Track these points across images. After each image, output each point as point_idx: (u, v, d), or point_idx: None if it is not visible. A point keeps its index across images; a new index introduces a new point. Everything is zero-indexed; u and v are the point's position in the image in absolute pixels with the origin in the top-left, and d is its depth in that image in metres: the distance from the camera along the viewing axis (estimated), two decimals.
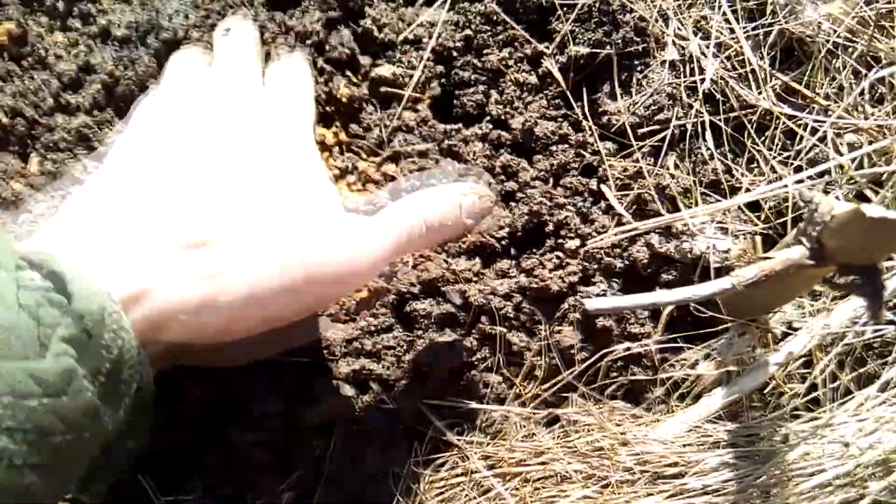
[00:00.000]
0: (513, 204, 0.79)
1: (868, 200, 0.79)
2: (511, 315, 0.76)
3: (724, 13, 0.79)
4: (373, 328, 0.74)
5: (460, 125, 0.83)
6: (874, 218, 0.45)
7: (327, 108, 0.80)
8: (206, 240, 0.47)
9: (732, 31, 0.79)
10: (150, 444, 0.61)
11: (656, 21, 0.79)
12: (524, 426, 0.74)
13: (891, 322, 0.77)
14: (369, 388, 0.72)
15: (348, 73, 0.82)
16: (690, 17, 0.80)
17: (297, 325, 0.55)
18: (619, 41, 0.80)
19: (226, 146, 0.55)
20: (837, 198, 0.76)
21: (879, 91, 0.81)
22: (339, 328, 0.74)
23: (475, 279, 0.77)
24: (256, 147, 0.56)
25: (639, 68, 0.81)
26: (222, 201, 0.51)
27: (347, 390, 0.70)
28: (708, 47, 0.78)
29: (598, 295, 0.75)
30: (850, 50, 0.80)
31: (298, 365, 0.70)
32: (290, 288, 0.50)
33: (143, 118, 0.62)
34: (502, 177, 0.81)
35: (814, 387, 0.76)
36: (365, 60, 0.83)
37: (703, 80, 0.77)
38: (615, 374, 0.76)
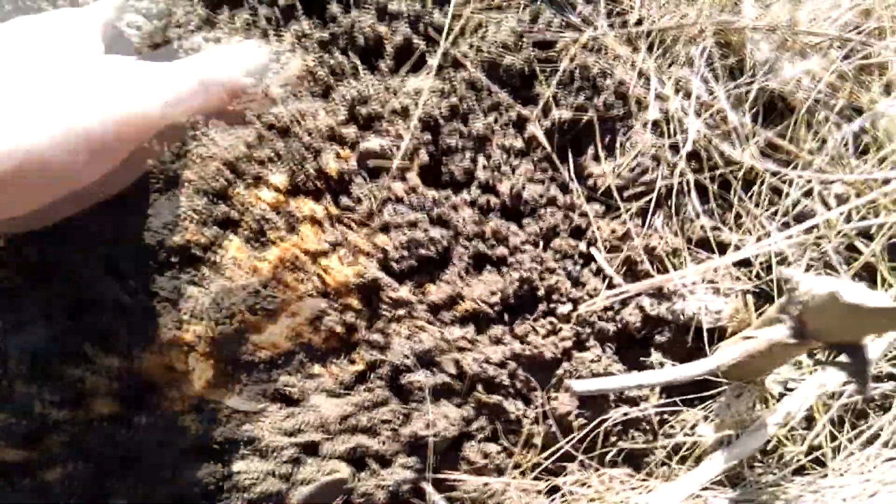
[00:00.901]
0: (504, 269, 0.80)
1: (859, 253, 0.79)
2: (507, 383, 0.76)
3: (703, 73, 0.80)
4: (368, 402, 0.74)
5: (449, 191, 0.83)
6: (850, 304, 0.45)
7: (317, 183, 0.81)
8: None
9: (712, 90, 0.80)
10: None
11: (636, 84, 0.80)
12: (524, 498, 0.74)
13: (891, 376, 0.76)
14: (366, 465, 0.72)
15: (335, 146, 0.83)
16: (670, 77, 0.81)
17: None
18: (601, 105, 0.81)
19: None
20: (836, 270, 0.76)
21: (864, 142, 0.82)
22: (333, 403, 0.74)
23: (469, 347, 0.77)
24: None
25: (622, 130, 0.82)
26: None
27: (344, 470, 0.70)
28: (688, 107, 0.79)
29: (591, 361, 0.75)
30: (832, 104, 0.81)
31: (293, 444, 0.70)
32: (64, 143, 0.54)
33: None
34: (492, 242, 0.81)
35: (817, 445, 0.75)
36: (351, 132, 0.84)
37: (685, 141, 0.78)
38: (615, 438, 0.76)
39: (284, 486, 0.70)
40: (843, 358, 0.51)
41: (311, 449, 0.72)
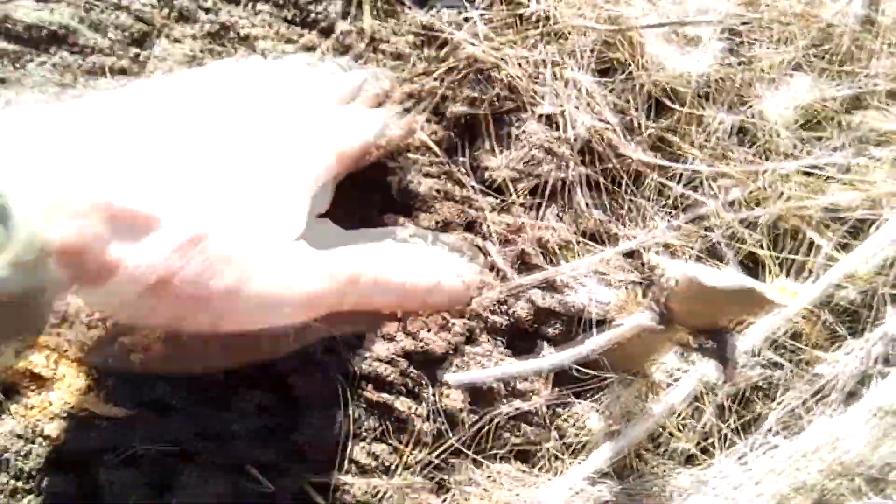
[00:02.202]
0: None
1: (744, 242, 0.80)
2: (397, 381, 0.74)
3: (592, 66, 0.80)
4: (245, 406, 0.71)
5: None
6: (705, 286, 0.45)
7: None
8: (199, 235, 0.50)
9: (602, 84, 0.81)
10: None
11: (529, 77, 0.80)
12: (415, 497, 0.72)
13: (774, 364, 0.78)
14: (245, 472, 0.69)
15: None
16: (563, 70, 0.81)
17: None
18: (494, 98, 0.80)
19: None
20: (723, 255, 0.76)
21: (749, 134, 0.83)
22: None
23: (358, 344, 0.75)
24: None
25: (516, 123, 0.82)
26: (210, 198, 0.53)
27: (219, 480, 0.67)
28: (580, 101, 0.79)
29: (482, 355, 0.74)
30: (720, 98, 0.82)
31: (160, 451, 0.66)
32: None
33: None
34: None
35: (705, 435, 0.76)
36: None
37: (576, 136, 0.78)
38: (506, 434, 0.75)
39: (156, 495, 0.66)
40: (708, 344, 0.51)
41: (188, 457, 0.68)
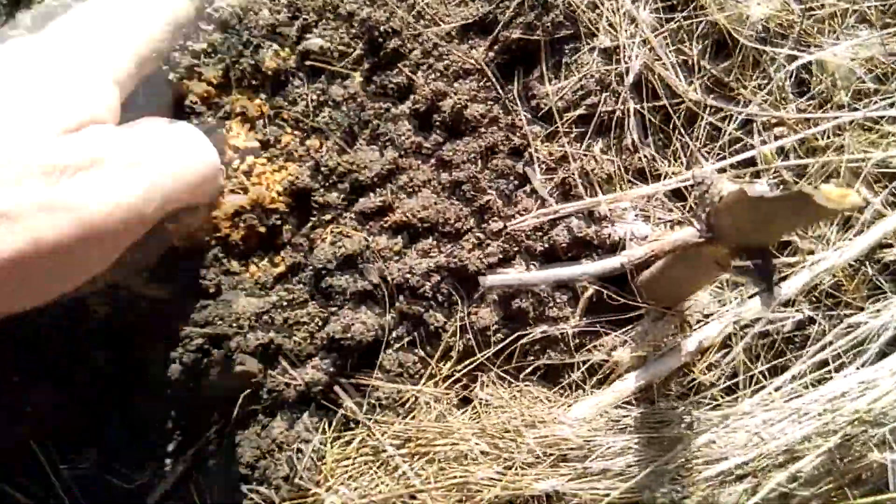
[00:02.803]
0: (438, 186, 0.78)
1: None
2: (429, 294, 0.75)
3: (653, 5, 0.79)
4: (285, 302, 0.73)
5: (390, 104, 0.82)
6: (756, 197, 0.45)
7: (253, 81, 0.79)
8: None
9: (661, 22, 0.79)
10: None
11: (585, 9, 0.79)
12: (436, 407, 0.73)
13: (811, 320, 0.77)
14: (278, 362, 0.71)
15: (275, 44, 0.81)
16: (621, 6, 0.80)
17: None
18: (549, 24, 0.80)
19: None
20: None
21: (809, 82, 0.82)
22: (250, 301, 0.73)
23: (395, 257, 0.76)
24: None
25: (568, 52, 0.81)
26: None
27: (253, 364, 0.69)
28: (636, 36, 0.78)
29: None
30: (780, 43, 0.80)
31: (202, 335, 0.69)
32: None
33: None
34: (430, 158, 0.80)
35: (734, 376, 0.76)
36: (293, 31, 0.82)
37: (630, 70, 0.77)
38: (532, 357, 0.75)
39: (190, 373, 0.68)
40: (749, 265, 0.51)
41: (220, 341, 0.71)
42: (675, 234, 0.52)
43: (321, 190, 0.77)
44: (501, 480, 0.66)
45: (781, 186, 0.47)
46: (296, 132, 0.79)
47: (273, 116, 0.79)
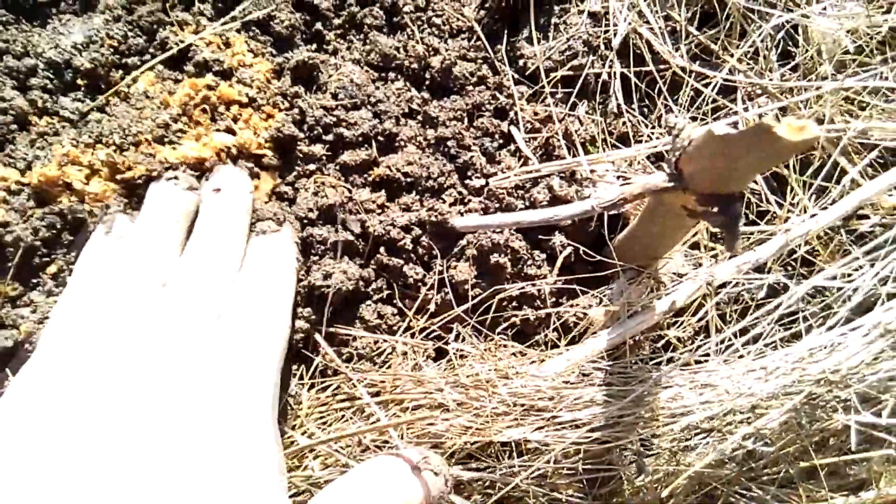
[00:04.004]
0: (422, 142, 0.79)
1: None
2: (409, 248, 0.76)
3: None
4: None
5: (382, 63, 0.82)
6: (721, 135, 0.46)
7: (256, 30, 0.80)
8: None
9: None
10: None
11: None
12: (413, 358, 0.74)
13: (785, 287, 0.78)
14: None
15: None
16: None
17: None
18: None
19: (161, 422, 0.46)
20: None
21: (793, 53, 0.82)
22: None
23: (378, 210, 0.77)
24: (196, 425, 0.47)
25: (557, 13, 0.82)
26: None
27: None
28: (623, 1, 0.78)
29: (494, 231, 0.75)
30: (765, 11, 0.81)
31: None
32: None
33: (63, 332, 0.53)
34: (419, 117, 0.81)
35: (706, 337, 0.77)
36: None
37: (615, 34, 0.77)
38: (508, 313, 0.76)
39: None
40: (715, 210, 0.52)
41: None
42: (644, 177, 0.53)
43: (306, 140, 0.78)
44: (471, 427, 0.67)
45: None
46: (286, 84, 0.80)
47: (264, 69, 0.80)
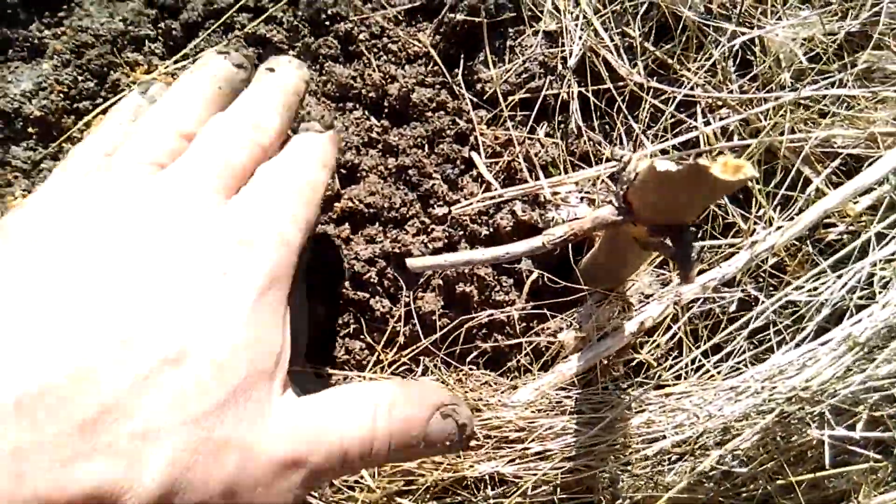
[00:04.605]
0: (384, 171, 0.78)
1: None
2: (374, 280, 0.75)
3: None
4: None
5: (341, 93, 0.81)
6: (662, 172, 0.45)
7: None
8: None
9: (605, 4, 0.79)
10: None
11: None
12: None
13: (755, 300, 0.77)
14: None
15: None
16: None
17: None
18: (492, 7, 0.79)
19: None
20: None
21: (751, 65, 0.82)
22: None
23: (343, 245, 0.76)
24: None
25: (512, 35, 0.81)
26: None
27: None
28: (578, 19, 0.78)
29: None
30: (722, 26, 0.80)
31: None
32: None
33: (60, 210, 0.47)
34: (380, 146, 0.80)
35: (678, 356, 0.76)
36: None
37: (571, 53, 0.77)
38: (479, 340, 0.76)
39: None
40: (666, 242, 0.51)
41: None
42: (594, 212, 0.52)
43: None
44: (443, 463, 0.66)
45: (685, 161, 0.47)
46: None
47: None
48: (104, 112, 0.76)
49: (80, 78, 0.77)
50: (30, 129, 0.75)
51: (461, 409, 0.50)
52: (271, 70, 0.60)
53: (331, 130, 0.60)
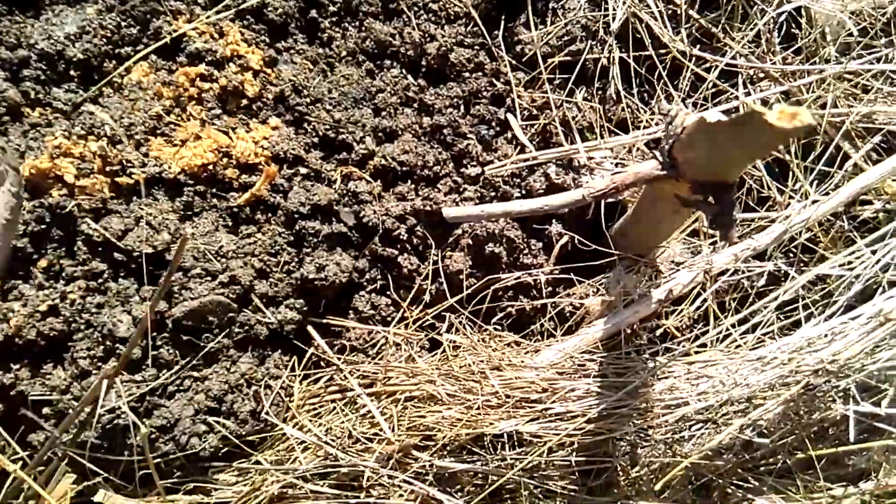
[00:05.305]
0: (420, 130, 0.78)
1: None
2: (404, 237, 0.76)
3: None
4: (261, 244, 0.73)
5: (379, 52, 0.81)
6: (713, 122, 0.45)
7: (257, 28, 0.80)
8: None
9: None
10: None
11: None
12: (405, 349, 0.74)
13: (786, 274, 0.77)
14: (250, 300, 0.71)
15: None
16: None
17: None
18: None
19: None
20: None
21: (796, 37, 0.80)
22: (228, 238, 0.73)
23: (372, 201, 0.76)
24: None
25: None
26: None
27: (224, 297, 0.70)
28: None
29: (490, 221, 0.75)
30: None
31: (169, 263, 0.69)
32: None
33: None
34: (416, 105, 0.80)
35: (705, 326, 0.76)
36: None
37: (614, 18, 0.76)
38: (503, 303, 0.76)
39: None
40: (709, 200, 0.50)
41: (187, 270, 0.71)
42: (636, 166, 0.52)
43: (305, 149, 0.77)
44: (463, 419, 0.67)
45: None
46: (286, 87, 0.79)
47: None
48: (145, 58, 0.77)
49: (123, 23, 0.77)
50: (71, 72, 0.76)
51: None
52: None
53: None
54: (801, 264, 0.77)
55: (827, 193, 0.74)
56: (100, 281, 0.67)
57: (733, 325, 0.73)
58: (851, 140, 0.76)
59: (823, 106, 0.75)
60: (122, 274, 0.68)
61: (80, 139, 0.71)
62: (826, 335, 0.68)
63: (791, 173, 0.78)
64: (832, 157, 0.76)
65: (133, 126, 0.72)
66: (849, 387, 0.67)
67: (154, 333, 0.67)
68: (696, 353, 0.72)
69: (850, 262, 0.71)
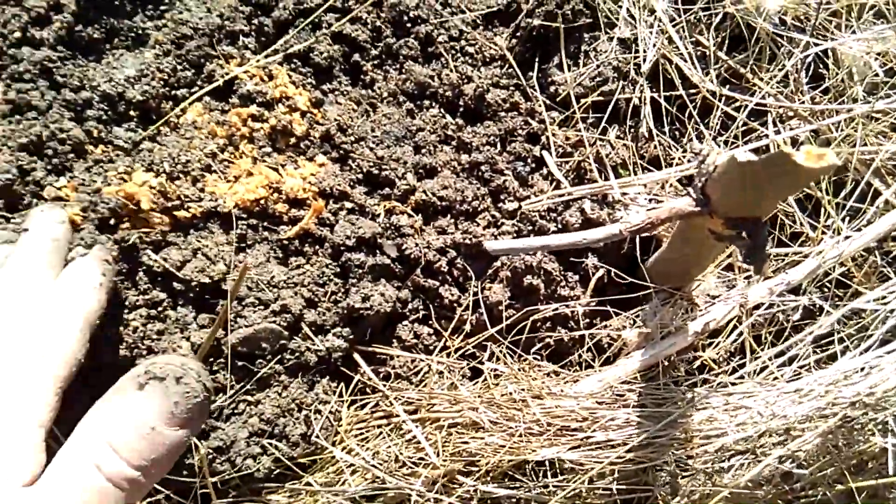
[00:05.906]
0: (458, 167, 0.82)
1: None
2: (445, 269, 0.78)
3: None
4: (310, 275, 0.76)
5: (416, 91, 0.85)
6: (744, 162, 0.47)
7: (303, 71, 0.84)
8: None
9: (678, 12, 0.82)
10: None
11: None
12: (448, 377, 0.76)
13: (820, 309, 0.78)
14: (300, 328, 0.74)
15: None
16: None
17: None
18: (569, 13, 0.82)
19: None
20: None
21: (823, 77, 0.83)
22: (279, 269, 0.76)
23: (414, 234, 0.79)
24: None
25: (587, 41, 0.84)
26: None
27: (276, 325, 0.72)
28: (652, 27, 0.80)
29: (527, 254, 0.77)
30: (796, 38, 0.82)
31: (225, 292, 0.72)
32: None
33: None
34: (454, 143, 0.83)
35: (741, 359, 0.77)
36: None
37: (644, 59, 0.79)
38: (543, 333, 0.78)
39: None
40: (742, 234, 0.53)
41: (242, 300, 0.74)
42: (671, 202, 0.55)
43: (351, 185, 0.80)
44: (505, 446, 0.68)
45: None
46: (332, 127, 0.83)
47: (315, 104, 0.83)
48: (200, 99, 0.81)
49: (178, 67, 0.82)
50: (131, 112, 0.80)
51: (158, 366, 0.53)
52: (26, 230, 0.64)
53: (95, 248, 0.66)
54: (836, 299, 0.78)
55: (859, 229, 0.76)
56: (159, 309, 0.70)
57: (770, 358, 0.75)
58: (882, 177, 0.78)
59: (853, 144, 0.77)
60: (180, 302, 0.71)
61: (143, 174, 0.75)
62: (862, 368, 0.69)
63: (823, 209, 0.79)
64: (863, 193, 0.78)
65: (189, 163, 0.76)
66: (887, 419, 0.68)
67: (211, 359, 0.70)
68: (734, 384, 0.73)
69: (884, 297, 0.72)
